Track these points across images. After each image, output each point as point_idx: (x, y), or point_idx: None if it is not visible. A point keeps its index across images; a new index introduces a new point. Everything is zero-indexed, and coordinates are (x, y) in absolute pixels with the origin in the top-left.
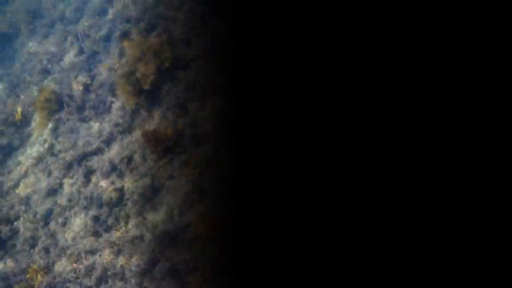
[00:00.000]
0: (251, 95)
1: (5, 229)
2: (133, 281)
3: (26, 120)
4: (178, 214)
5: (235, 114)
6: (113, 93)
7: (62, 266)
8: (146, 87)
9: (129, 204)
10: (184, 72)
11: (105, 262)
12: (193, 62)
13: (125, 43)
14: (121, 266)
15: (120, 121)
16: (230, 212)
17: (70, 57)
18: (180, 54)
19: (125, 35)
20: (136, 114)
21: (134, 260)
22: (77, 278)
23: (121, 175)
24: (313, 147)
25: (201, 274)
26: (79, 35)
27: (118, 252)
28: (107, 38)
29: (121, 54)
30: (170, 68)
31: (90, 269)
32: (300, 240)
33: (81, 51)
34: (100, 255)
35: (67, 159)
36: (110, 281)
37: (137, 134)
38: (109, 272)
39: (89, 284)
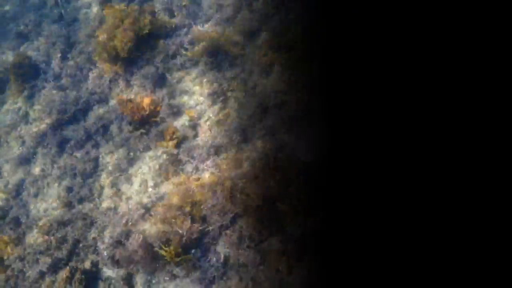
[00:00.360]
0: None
1: None
2: (105, 253)
3: (0, 86)
4: (153, 186)
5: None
6: (91, 61)
7: (33, 238)
8: (124, 55)
9: (103, 175)
10: (165, 41)
11: (77, 234)
12: (175, 32)
13: (106, 10)
14: (93, 238)
15: (97, 89)
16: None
17: (48, 22)
18: (162, 22)
19: (106, 1)
20: (114, 83)
21: (106, 233)
22: (48, 250)
23: (96, 146)
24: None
25: (174, 247)
26: (59, 0)
27: (91, 224)
28: (88, 5)
29: (101, 21)
30: (148, 36)
31: (62, 241)
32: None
33: (60, 17)
34: (72, 227)
35: (41, 127)
36: (82, 253)
37: (113, 103)
38: (81, 245)
39: (60, 256)
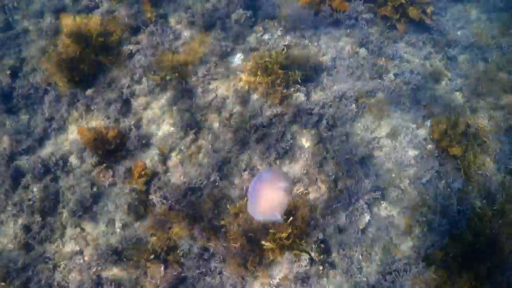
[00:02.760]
0: None
1: None
2: None
3: None
4: (121, 227)
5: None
6: (47, 80)
7: None
8: (82, 75)
9: (65, 213)
10: (132, 58)
11: (38, 279)
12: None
13: (63, 20)
14: (58, 284)
15: (54, 114)
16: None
17: None
18: (128, 35)
19: (61, 10)
20: (73, 107)
21: (72, 279)
22: None
23: (55, 179)
24: None
25: None
26: (6, 7)
27: (54, 268)
28: (40, 14)
29: (56, 33)
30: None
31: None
32: None
33: (8, 27)
34: (33, 271)
35: None
36: None
37: (73, 132)
38: None
39: None
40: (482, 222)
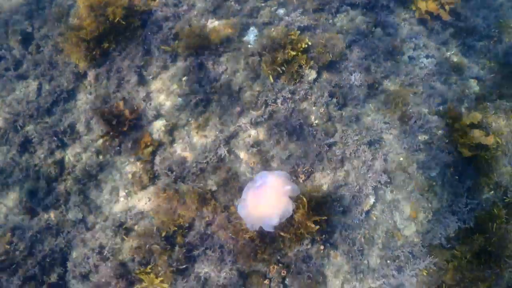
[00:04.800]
0: None
1: None
2: (73, 269)
3: None
4: (125, 196)
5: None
6: (57, 48)
7: None
8: (96, 44)
9: (70, 180)
10: (143, 29)
11: (41, 245)
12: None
13: None
14: (60, 250)
15: (64, 82)
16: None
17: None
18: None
19: None
20: (84, 76)
21: (74, 245)
22: (12, 263)
23: (62, 146)
24: None
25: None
26: None
27: (57, 234)
28: None
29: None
30: (126, 24)
31: (25, 251)
32: None
33: None
34: (36, 237)
35: (0, 124)
36: (47, 265)
37: (81, 100)
38: (47, 257)
39: (24, 268)
40: (492, 219)
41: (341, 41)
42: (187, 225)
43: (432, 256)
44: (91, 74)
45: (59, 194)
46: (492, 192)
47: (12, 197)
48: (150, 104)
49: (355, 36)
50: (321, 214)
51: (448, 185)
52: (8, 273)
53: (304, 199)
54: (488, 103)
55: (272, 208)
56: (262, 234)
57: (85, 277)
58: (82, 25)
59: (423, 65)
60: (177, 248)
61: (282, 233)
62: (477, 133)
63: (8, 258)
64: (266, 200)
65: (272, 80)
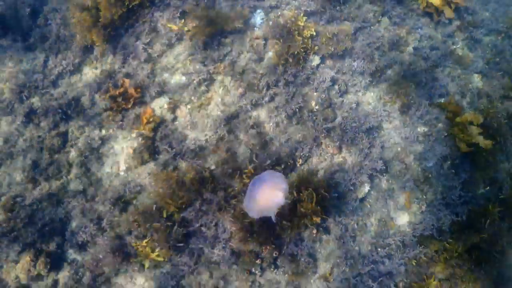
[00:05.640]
0: None
1: None
2: (72, 238)
3: None
4: (125, 170)
5: None
6: (65, 22)
7: None
8: (104, 21)
9: (73, 152)
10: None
11: (42, 214)
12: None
13: None
14: (60, 220)
15: (70, 55)
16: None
17: None
18: None
19: None
20: (91, 52)
21: (74, 216)
22: (13, 230)
23: (66, 118)
24: None
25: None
26: None
27: (58, 204)
28: None
29: None
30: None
31: (26, 220)
32: None
33: None
34: (37, 206)
35: (5, 94)
36: (47, 234)
37: (87, 74)
38: (46, 226)
39: (24, 236)
40: (485, 215)
41: (348, 39)
42: (185, 206)
43: (423, 246)
44: (97, 49)
45: (61, 165)
46: (488, 187)
47: (15, 167)
48: (154, 81)
49: (361, 23)
50: (324, 207)
51: (443, 178)
52: (9, 239)
53: (315, 195)
54: (492, 104)
55: (269, 202)
56: (261, 220)
57: (82, 247)
58: (91, 5)
59: (427, 56)
60: (175, 226)
61: (284, 222)
62: (475, 132)
63: (9, 226)
64: (265, 195)
65: (281, 68)
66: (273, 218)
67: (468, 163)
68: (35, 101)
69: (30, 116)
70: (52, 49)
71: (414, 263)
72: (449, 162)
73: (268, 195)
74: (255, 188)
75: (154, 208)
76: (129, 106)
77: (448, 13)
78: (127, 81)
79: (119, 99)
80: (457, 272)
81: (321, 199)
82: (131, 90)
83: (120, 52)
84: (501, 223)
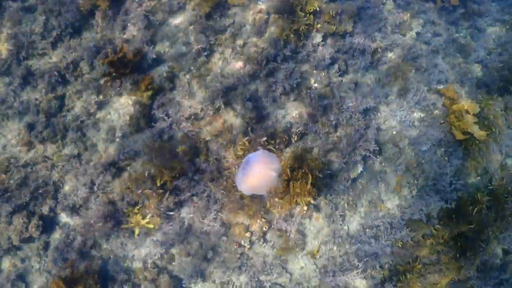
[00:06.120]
0: None
1: None
2: (64, 202)
3: None
4: (121, 136)
5: None
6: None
7: None
8: None
9: (69, 116)
10: None
11: (36, 177)
12: None
13: None
14: (54, 183)
15: (70, 18)
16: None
17: None
18: None
19: None
20: (92, 16)
21: (67, 180)
22: (6, 191)
23: (63, 82)
24: None
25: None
26: None
27: (52, 168)
28: None
29: None
30: None
31: (20, 182)
32: None
33: None
34: (32, 168)
35: (3, 55)
36: (40, 197)
37: (86, 38)
38: (40, 188)
39: (17, 198)
40: (473, 204)
41: (351, 20)
42: (178, 175)
43: (410, 229)
44: (98, 14)
45: (57, 129)
46: (479, 178)
47: (11, 128)
48: (154, 48)
49: (365, 3)
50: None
51: (436, 164)
52: (1, 200)
53: (310, 176)
54: (490, 95)
55: (262, 180)
56: (253, 195)
57: (74, 211)
58: None
59: (428, 41)
60: (167, 194)
61: (277, 199)
62: (471, 121)
63: (3, 187)
64: (258, 173)
65: (282, 43)
66: (265, 196)
67: (461, 151)
68: (33, 63)
69: (28, 78)
70: (52, 11)
71: (400, 245)
72: (442, 149)
73: (261, 174)
74: (248, 166)
75: (146, 175)
76: (128, 71)
77: (453, 0)
78: (125, 46)
79: (117, 64)
80: (442, 259)
81: (314, 179)
82: (130, 56)
83: (122, 17)
84: (488, 213)
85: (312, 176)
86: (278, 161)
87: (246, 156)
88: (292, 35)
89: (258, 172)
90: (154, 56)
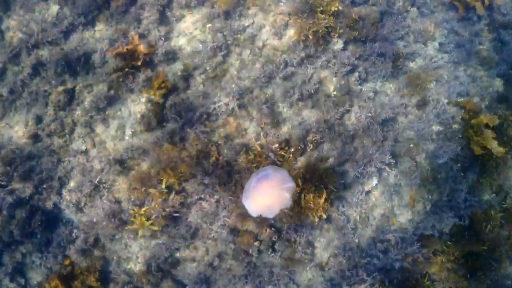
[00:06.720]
0: None
1: None
2: (68, 198)
3: None
4: (131, 135)
5: None
6: None
7: None
8: None
9: (78, 111)
10: None
11: (41, 171)
12: None
13: None
14: (59, 178)
15: (85, 9)
16: None
17: None
18: None
19: None
20: (107, 7)
21: (73, 176)
22: (8, 184)
23: (74, 75)
24: None
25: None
26: None
27: (58, 163)
28: None
29: None
30: None
31: (24, 176)
32: None
33: None
34: (37, 162)
35: (14, 43)
36: (45, 192)
37: (102, 31)
38: (44, 183)
39: (21, 191)
40: (487, 221)
41: (375, 27)
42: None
43: (420, 244)
44: (114, 5)
45: (65, 123)
46: (494, 195)
47: (18, 120)
48: (169, 45)
49: (387, 8)
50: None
51: (451, 179)
52: (4, 192)
53: (325, 191)
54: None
55: (273, 201)
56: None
57: (78, 208)
58: None
59: (451, 52)
60: (173, 194)
61: (289, 212)
62: (490, 135)
63: (6, 179)
64: (269, 193)
65: (301, 46)
66: (271, 216)
67: (478, 167)
68: (44, 53)
69: (38, 68)
70: (66, 0)
71: (410, 261)
72: (459, 164)
73: (272, 194)
74: (257, 185)
75: (152, 174)
76: (139, 63)
77: (479, 9)
78: (136, 37)
79: (128, 57)
80: (452, 277)
81: (328, 195)
82: (140, 48)
83: (137, 11)
84: (501, 231)
85: (327, 192)
86: (292, 180)
87: (255, 173)
88: (311, 37)
89: (268, 191)
90: (169, 53)
